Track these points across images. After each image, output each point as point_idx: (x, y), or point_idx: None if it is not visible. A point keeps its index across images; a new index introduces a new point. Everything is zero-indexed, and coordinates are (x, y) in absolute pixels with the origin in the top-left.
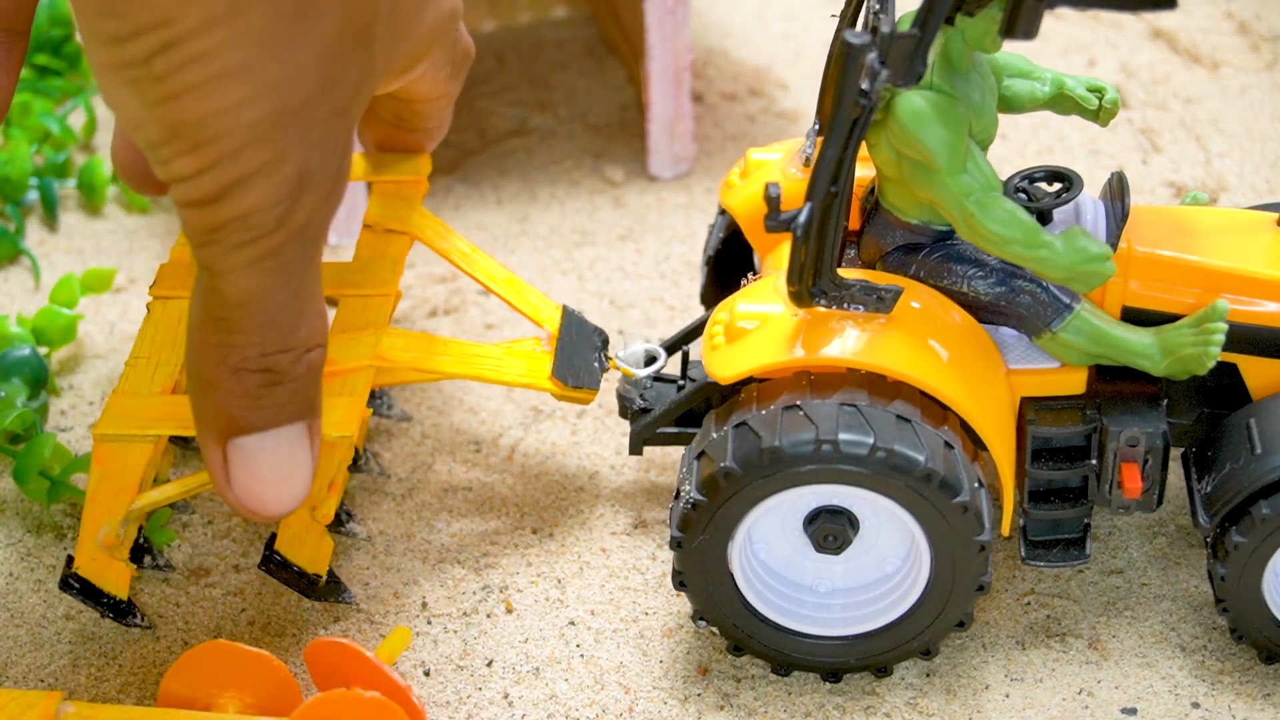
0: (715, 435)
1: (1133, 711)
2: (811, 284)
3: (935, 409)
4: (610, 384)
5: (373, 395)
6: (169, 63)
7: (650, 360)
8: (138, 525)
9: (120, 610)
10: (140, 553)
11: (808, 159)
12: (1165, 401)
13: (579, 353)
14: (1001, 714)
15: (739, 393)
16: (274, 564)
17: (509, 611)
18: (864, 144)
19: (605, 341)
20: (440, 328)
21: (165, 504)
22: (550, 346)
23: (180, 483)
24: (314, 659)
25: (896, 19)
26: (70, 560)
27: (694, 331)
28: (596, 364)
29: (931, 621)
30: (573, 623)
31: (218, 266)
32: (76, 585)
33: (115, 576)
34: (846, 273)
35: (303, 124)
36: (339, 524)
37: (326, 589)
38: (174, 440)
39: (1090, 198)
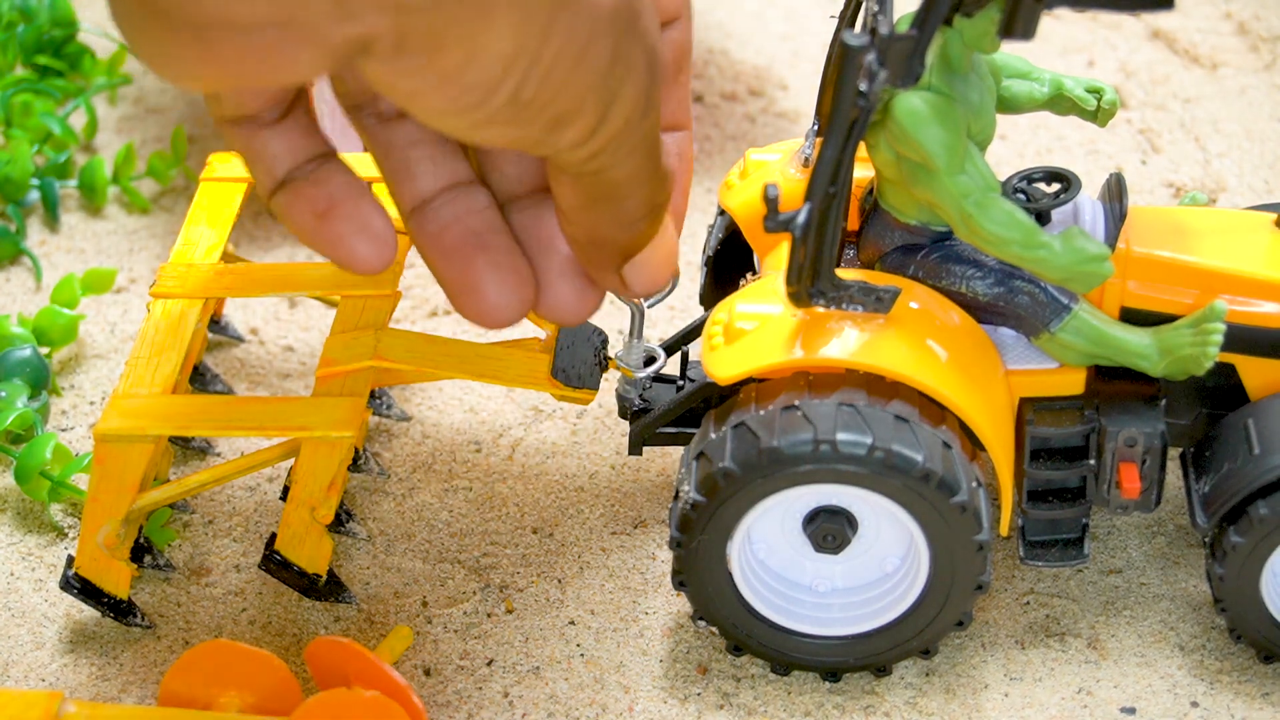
0: (714, 436)
1: (1132, 711)
2: (810, 284)
3: (933, 409)
4: (610, 384)
5: (372, 395)
6: (531, 87)
7: (649, 360)
8: (138, 525)
9: (120, 610)
10: (140, 552)
11: (807, 160)
12: (1163, 402)
13: (578, 353)
14: (1001, 713)
15: (738, 393)
16: (274, 564)
17: (509, 611)
18: (863, 145)
19: (604, 342)
20: (440, 328)
21: (165, 504)
22: (549, 347)
23: (180, 482)
24: (315, 658)
25: (895, 20)
26: (71, 560)
27: (693, 331)
28: (596, 364)
29: (930, 621)
30: (573, 622)
31: (608, 168)
32: (77, 585)
33: (116, 576)
34: (845, 273)
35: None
36: (339, 524)
37: (326, 589)
38: (174, 440)
39: (1089, 198)
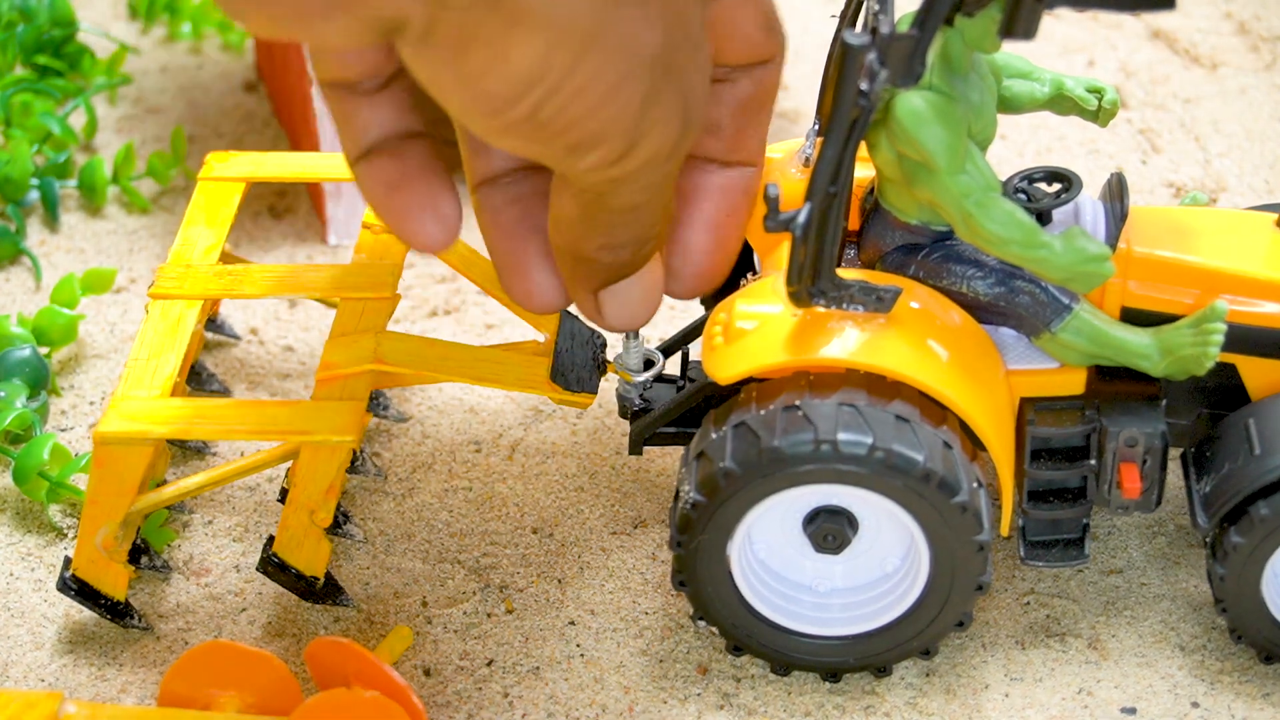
0: (714, 436)
1: (1132, 711)
2: (810, 284)
3: (934, 409)
4: (610, 384)
5: (370, 395)
6: (551, 109)
7: (648, 364)
8: (136, 527)
9: (118, 612)
10: (136, 553)
11: (807, 159)
12: (1164, 402)
13: (577, 356)
14: (1001, 714)
15: (738, 393)
16: (272, 566)
17: (509, 611)
18: (864, 144)
19: (603, 345)
20: (441, 328)
21: (164, 506)
22: (548, 350)
23: (179, 484)
24: (314, 658)
25: (896, 19)
26: (68, 562)
27: (693, 331)
28: (594, 368)
29: (931, 621)
30: (573, 623)
31: (619, 197)
32: (74, 587)
33: (113, 578)
34: (846, 273)
35: (667, 70)
36: (336, 525)
37: (324, 592)
38: (171, 440)
39: (1089, 198)
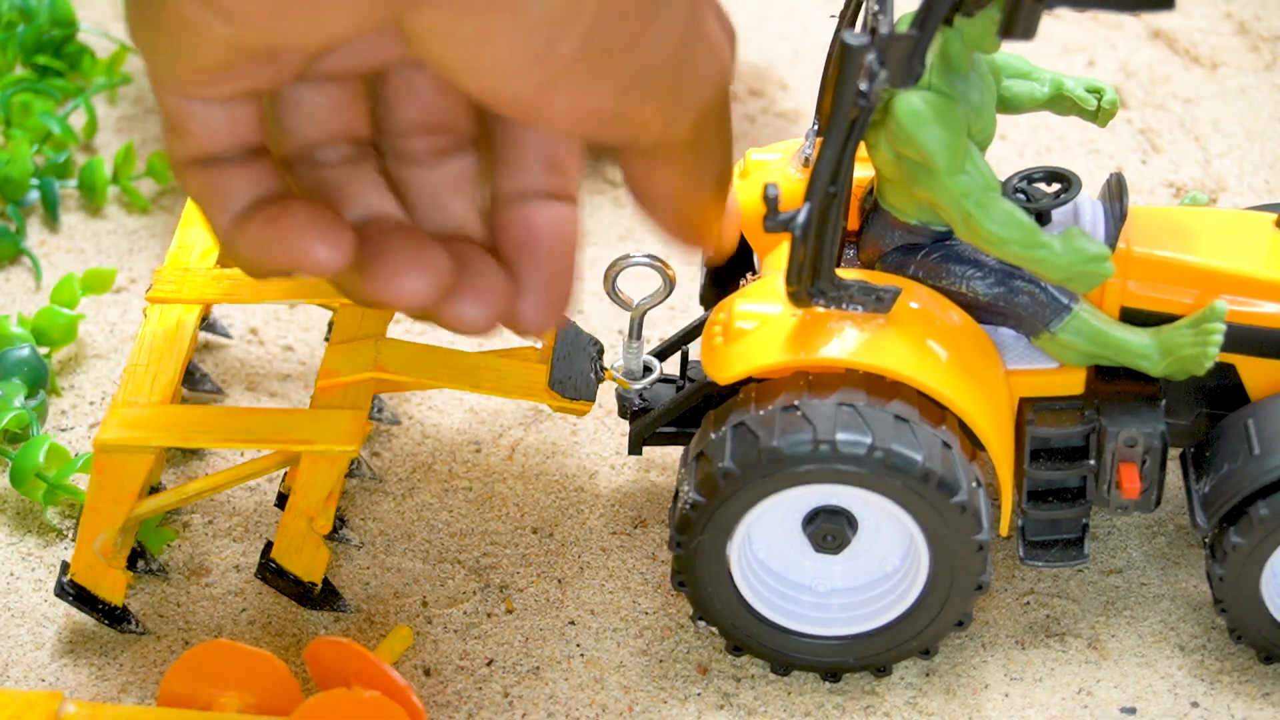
0: (714, 436)
1: (1132, 711)
2: (810, 284)
3: (933, 409)
4: (610, 383)
5: None
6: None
7: (646, 370)
8: (134, 533)
9: (115, 617)
10: (133, 557)
11: (807, 159)
12: (1164, 402)
13: (574, 364)
14: (1001, 713)
15: (737, 393)
16: (270, 572)
17: (509, 611)
18: (863, 144)
19: (600, 351)
20: (440, 331)
21: (162, 512)
22: (546, 357)
23: (178, 491)
24: (315, 658)
25: (895, 20)
26: (65, 566)
27: (692, 332)
28: (592, 374)
29: (930, 621)
30: (573, 623)
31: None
32: (72, 592)
33: (111, 583)
34: (845, 273)
35: None
36: (333, 530)
37: (322, 598)
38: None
39: (1089, 198)
